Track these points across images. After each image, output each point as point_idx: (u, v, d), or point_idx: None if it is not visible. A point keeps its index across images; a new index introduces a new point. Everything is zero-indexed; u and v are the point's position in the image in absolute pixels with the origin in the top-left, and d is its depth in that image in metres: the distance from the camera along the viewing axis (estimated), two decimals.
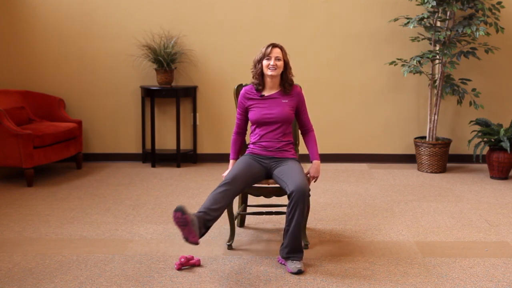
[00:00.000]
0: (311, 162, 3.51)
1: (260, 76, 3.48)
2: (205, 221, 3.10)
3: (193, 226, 3.00)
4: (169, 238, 3.76)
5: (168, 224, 4.04)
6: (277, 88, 3.51)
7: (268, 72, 3.42)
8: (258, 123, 3.48)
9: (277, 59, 3.42)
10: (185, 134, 6.11)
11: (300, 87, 3.57)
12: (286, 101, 3.47)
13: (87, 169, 5.77)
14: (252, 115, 3.49)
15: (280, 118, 3.44)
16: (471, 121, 5.73)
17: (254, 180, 3.41)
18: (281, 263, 3.32)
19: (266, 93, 3.50)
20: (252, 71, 3.51)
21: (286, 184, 3.27)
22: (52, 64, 6.03)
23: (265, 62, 3.43)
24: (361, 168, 5.83)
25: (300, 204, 3.17)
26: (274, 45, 3.45)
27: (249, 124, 3.60)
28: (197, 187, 5.07)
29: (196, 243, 3.04)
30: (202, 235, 3.09)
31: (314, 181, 3.55)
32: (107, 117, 6.11)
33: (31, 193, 4.86)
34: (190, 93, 5.98)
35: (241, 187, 3.29)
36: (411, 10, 5.75)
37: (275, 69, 3.41)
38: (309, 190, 3.25)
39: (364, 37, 5.93)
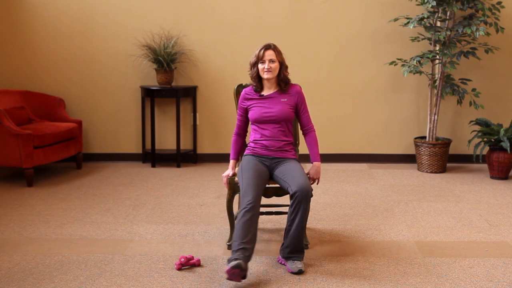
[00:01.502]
0: (312, 163, 3.51)
1: (257, 78, 3.49)
2: (249, 257, 3.07)
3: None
4: (169, 238, 3.76)
5: (168, 224, 4.04)
6: (275, 87, 3.51)
7: (264, 75, 3.45)
8: (258, 122, 3.48)
9: (271, 61, 3.43)
10: (185, 134, 6.11)
11: (300, 87, 3.57)
12: (285, 99, 3.48)
13: (87, 169, 5.76)
14: (252, 114, 3.49)
15: (279, 116, 3.44)
16: (471, 121, 5.73)
17: (265, 185, 3.40)
18: (281, 263, 3.32)
19: (265, 93, 3.51)
20: (249, 74, 3.52)
21: (288, 184, 3.26)
22: (52, 64, 6.03)
23: (260, 66, 3.45)
24: (361, 168, 5.83)
25: (303, 204, 3.17)
26: (266, 48, 3.45)
27: (249, 124, 3.61)
28: (197, 187, 5.06)
29: (239, 282, 3.03)
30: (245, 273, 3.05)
31: (317, 183, 3.54)
32: (107, 117, 6.11)
33: (31, 193, 4.85)
34: (190, 93, 5.98)
35: (260, 200, 3.26)
36: (411, 10, 5.74)
37: (270, 71, 3.43)
38: (312, 190, 3.24)
39: (364, 37, 5.93)
